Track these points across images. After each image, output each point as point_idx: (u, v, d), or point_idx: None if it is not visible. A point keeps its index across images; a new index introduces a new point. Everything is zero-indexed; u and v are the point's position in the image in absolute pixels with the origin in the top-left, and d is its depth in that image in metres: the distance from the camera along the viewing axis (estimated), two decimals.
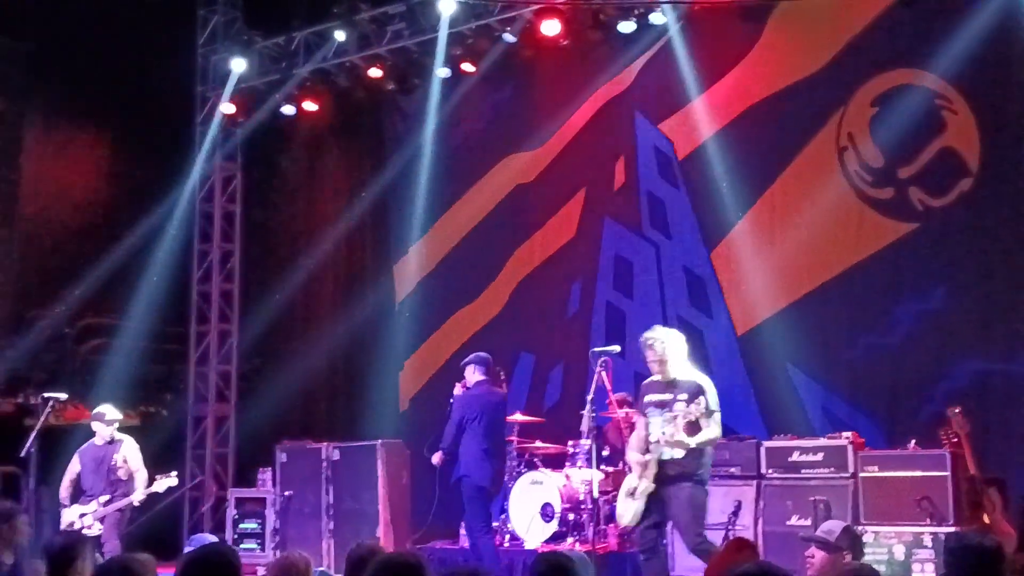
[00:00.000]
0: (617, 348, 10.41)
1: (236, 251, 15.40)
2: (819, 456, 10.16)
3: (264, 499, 12.69)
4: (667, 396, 8.57)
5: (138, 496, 10.88)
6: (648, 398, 8.71)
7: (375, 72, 13.82)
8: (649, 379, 8.84)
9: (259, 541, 12.49)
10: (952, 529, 9.10)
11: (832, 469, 10.06)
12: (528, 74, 13.87)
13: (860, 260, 11.53)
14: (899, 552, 9.29)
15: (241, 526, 12.72)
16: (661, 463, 8.44)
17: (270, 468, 12.80)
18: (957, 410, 9.52)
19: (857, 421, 11.03)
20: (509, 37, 12.97)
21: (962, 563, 4.92)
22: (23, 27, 14.81)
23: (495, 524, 11.91)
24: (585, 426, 10.26)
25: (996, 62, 10.84)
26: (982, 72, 10.91)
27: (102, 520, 10.78)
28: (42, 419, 11.06)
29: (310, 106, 14.56)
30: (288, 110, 14.65)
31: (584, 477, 11.18)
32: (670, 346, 8.69)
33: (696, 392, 8.50)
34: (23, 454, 10.79)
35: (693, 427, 8.45)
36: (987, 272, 10.92)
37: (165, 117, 15.38)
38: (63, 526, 10.74)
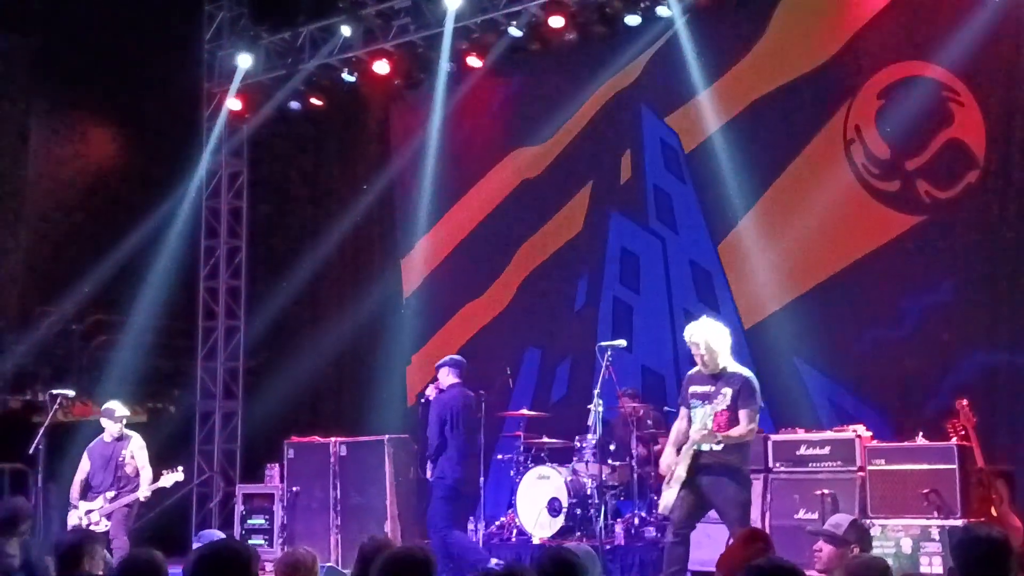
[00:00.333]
0: (624, 342, 10.38)
1: (243, 247, 15.42)
2: (826, 449, 10.12)
3: (272, 495, 12.70)
4: (710, 388, 8.44)
5: (144, 492, 10.90)
6: (692, 389, 8.57)
7: (381, 67, 13.83)
8: (694, 370, 8.69)
9: (267, 537, 12.50)
10: (960, 522, 9.08)
11: (839, 462, 10.02)
12: (534, 68, 13.87)
13: (867, 253, 11.51)
14: (907, 545, 9.27)
15: (249, 522, 12.74)
16: (698, 454, 8.37)
17: (277, 464, 12.82)
18: (964, 402, 9.49)
19: (864, 414, 11.01)
20: (515, 31, 12.97)
21: (970, 555, 4.90)
22: (29, 24, 14.85)
23: (502, 519, 11.94)
24: (591, 420, 10.25)
25: (1002, 53, 10.83)
26: (989, 63, 10.89)
27: (109, 516, 10.81)
28: (50, 416, 11.09)
29: (316, 101, 14.60)
30: (294, 105, 14.66)
31: (591, 471, 11.19)
32: (712, 338, 8.51)
33: (740, 385, 8.38)
34: (31, 451, 10.84)
35: (733, 421, 8.37)
36: (994, 264, 10.89)
37: (171, 113, 15.41)
38: (69, 527, 10.77)
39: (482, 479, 11.43)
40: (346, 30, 13.78)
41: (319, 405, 15.06)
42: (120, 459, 10.98)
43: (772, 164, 12.16)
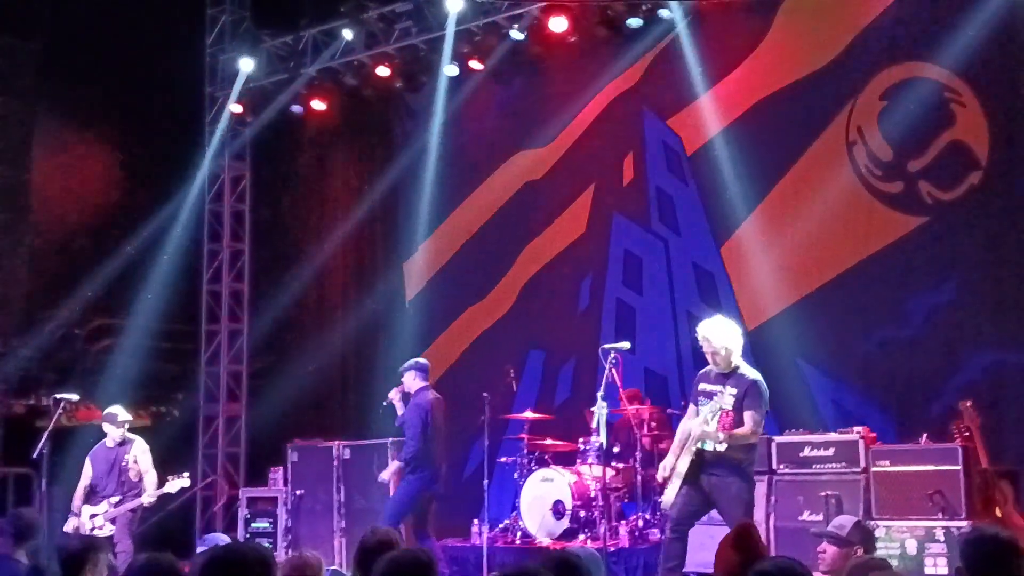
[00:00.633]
0: (627, 344, 10.36)
1: (246, 250, 15.45)
2: (830, 451, 10.12)
3: (276, 498, 12.71)
4: (718, 387, 8.44)
5: (148, 498, 10.88)
6: (702, 387, 8.58)
7: (383, 70, 13.85)
8: (706, 368, 8.69)
9: (271, 540, 12.50)
10: (964, 523, 9.08)
11: (843, 464, 10.01)
12: (536, 71, 13.87)
13: (870, 254, 11.50)
14: (911, 546, 9.27)
15: (253, 525, 12.75)
16: (701, 451, 8.36)
17: (281, 467, 12.83)
18: (968, 403, 9.50)
19: (868, 416, 11.00)
20: (517, 34, 12.98)
21: (978, 555, 4.90)
22: (32, 27, 14.85)
23: (506, 522, 11.94)
24: (595, 422, 10.25)
25: (1005, 54, 10.81)
26: (991, 64, 10.87)
27: (113, 521, 10.81)
28: (53, 420, 11.08)
29: (318, 105, 14.62)
30: (296, 109, 14.69)
31: (595, 474, 11.18)
32: (725, 337, 8.51)
33: (747, 387, 8.37)
34: (35, 455, 10.83)
35: (738, 422, 8.33)
36: (998, 265, 10.87)
37: (174, 117, 15.43)
38: (68, 530, 10.77)
39: (486, 481, 11.42)
40: (348, 34, 13.79)
41: (323, 408, 15.05)
42: (123, 464, 10.97)
43: (774, 166, 12.16)
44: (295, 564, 5.60)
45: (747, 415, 8.33)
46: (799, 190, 11.97)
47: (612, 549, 10.48)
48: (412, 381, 10.90)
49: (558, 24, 12.63)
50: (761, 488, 10.16)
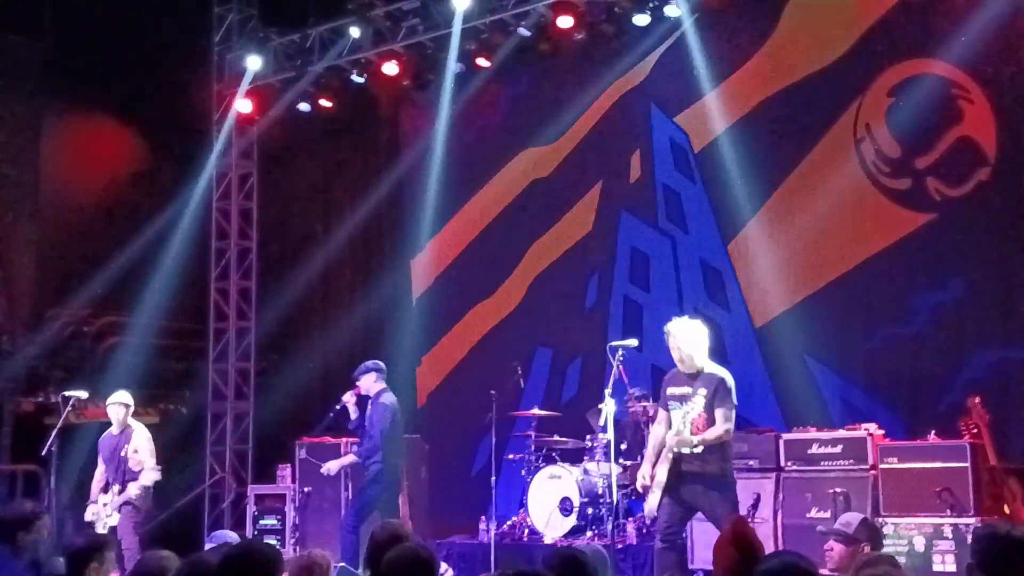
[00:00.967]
0: (635, 342, 10.33)
1: (253, 248, 15.46)
2: (838, 448, 10.09)
3: (283, 495, 12.72)
4: (687, 389, 8.42)
5: (132, 491, 10.85)
6: (670, 391, 8.57)
7: (390, 68, 13.84)
8: (672, 371, 8.69)
9: (279, 537, 12.51)
10: (972, 520, 9.06)
11: (851, 461, 9.98)
12: (543, 68, 13.87)
13: (877, 251, 11.49)
14: (919, 544, 9.25)
15: (261, 522, 12.76)
16: (678, 458, 8.36)
17: (289, 464, 12.83)
18: (976, 400, 9.48)
19: (876, 413, 10.99)
20: (523, 31, 12.98)
21: (990, 552, 4.89)
22: (40, 26, 14.88)
23: (513, 519, 11.94)
24: (603, 420, 10.23)
25: (1012, 50, 10.79)
26: (998, 60, 10.86)
27: (119, 510, 10.82)
28: (62, 418, 11.11)
29: (325, 102, 14.60)
30: (304, 107, 14.68)
31: (603, 471, 11.19)
32: (687, 336, 8.51)
33: (715, 385, 8.38)
34: (44, 453, 10.86)
35: (710, 423, 8.34)
36: (1006, 262, 10.85)
37: (181, 115, 15.45)
38: (88, 517, 10.81)
39: (493, 478, 11.43)
40: (355, 31, 13.80)
41: (330, 405, 15.03)
42: (123, 453, 10.96)
43: (782, 163, 12.14)
44: (303, 564, 5.61)
45: (718, 413, 8.33)
46: (807, 187, 11.95)
47: (620, 546, 10.49)
48: (372, 383, 10.88)
49: (565, 21, 12.63)
50: (769, 485, 10.19)
